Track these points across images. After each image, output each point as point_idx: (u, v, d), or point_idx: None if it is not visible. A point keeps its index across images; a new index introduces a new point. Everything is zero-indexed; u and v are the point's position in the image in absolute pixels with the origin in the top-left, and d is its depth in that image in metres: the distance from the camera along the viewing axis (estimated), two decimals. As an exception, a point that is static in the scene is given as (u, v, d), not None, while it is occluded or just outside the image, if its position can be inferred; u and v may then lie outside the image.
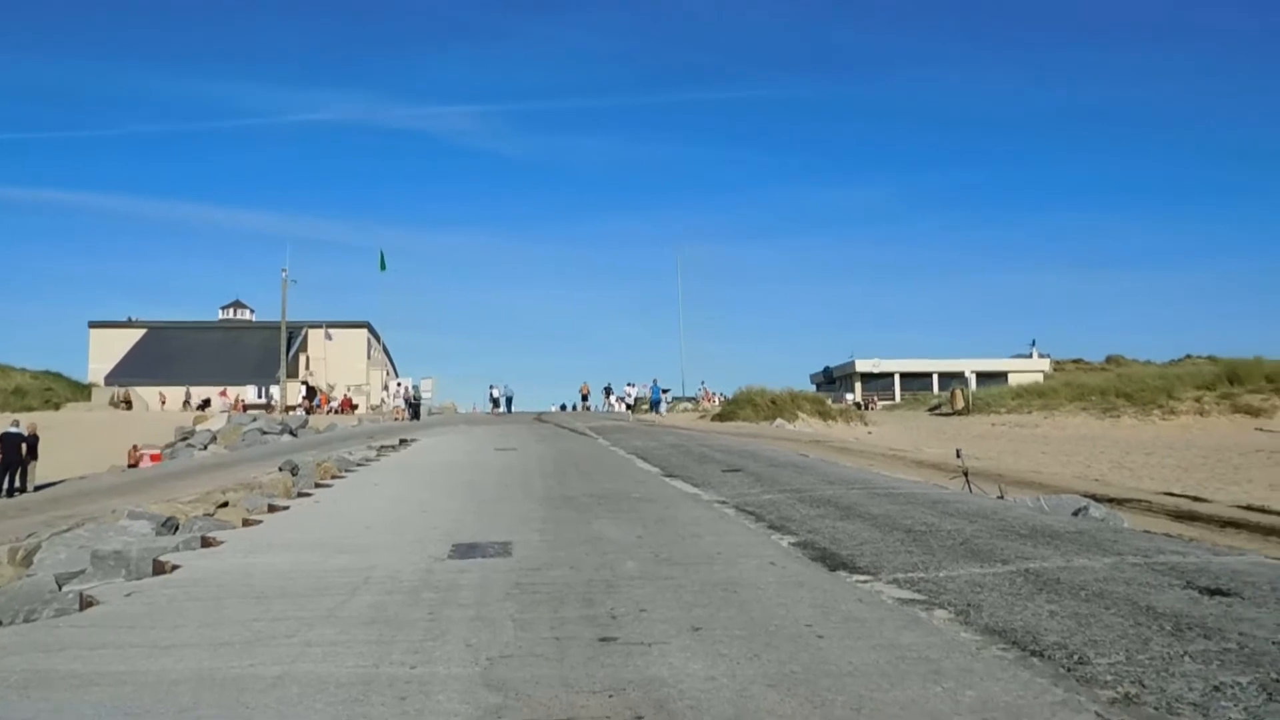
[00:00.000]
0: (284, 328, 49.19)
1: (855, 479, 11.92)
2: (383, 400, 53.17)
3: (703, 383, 58.67)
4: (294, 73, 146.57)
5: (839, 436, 31.18)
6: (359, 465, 14.74)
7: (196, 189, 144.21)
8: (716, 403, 48.09)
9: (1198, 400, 39.04)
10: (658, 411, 46.18)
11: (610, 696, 3.39)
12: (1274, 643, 3.78)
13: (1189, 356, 61.30)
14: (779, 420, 35.25)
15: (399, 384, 51.99)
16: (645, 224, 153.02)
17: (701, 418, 40.29)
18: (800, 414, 37.59)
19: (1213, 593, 4.82)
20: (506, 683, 3.59)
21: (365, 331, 60.37)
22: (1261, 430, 34.32)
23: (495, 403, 50.54)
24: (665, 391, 60.97)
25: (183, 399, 49.47)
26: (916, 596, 4.90)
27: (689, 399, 55.54)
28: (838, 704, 3.22)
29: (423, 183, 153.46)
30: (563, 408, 58.52)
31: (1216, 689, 3.20)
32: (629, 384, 48.83)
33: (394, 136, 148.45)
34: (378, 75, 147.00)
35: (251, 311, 65.65)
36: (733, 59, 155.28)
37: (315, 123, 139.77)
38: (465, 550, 6.77)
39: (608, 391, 50.19)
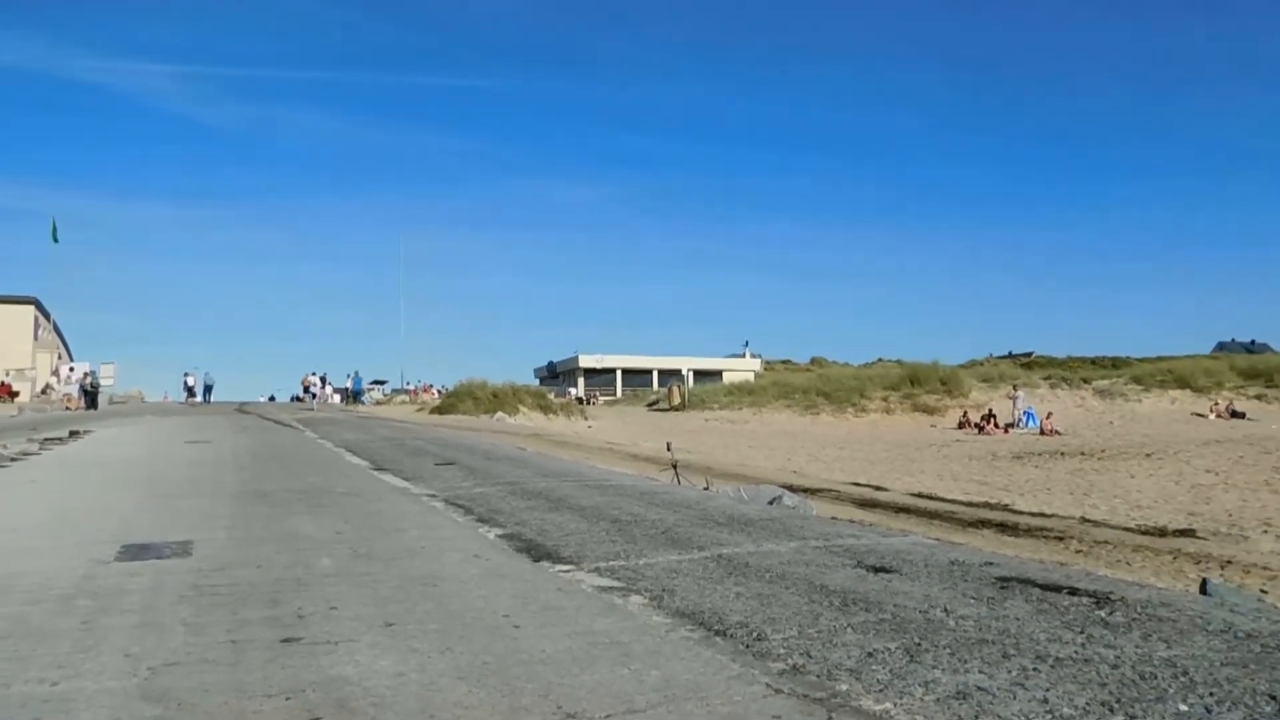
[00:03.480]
0: (-79, 301, 42.30)
1: (570, 472, 12.10)
2: (49, 386, 47.16)
3: (419, 379, 57.49)
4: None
5: (559, 431, 31.65)
6: (14, 460, 12.93)
7: None
8: (436, 395, 47.21)
9: (885, 400, 43.53)
10: (360, 403, 44.61)
11: (287, 699, 3.15)
12: (920, 612, 4.22)
13: (880, 360, 67.64)
14: (500, 414, 35.21)
15: (73, 369, 46.29)
16: (366, 207, 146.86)
17: (420, 410, 39.36)
18: (522, 408, 37.76)
19: (878, 570, 5.32)
20: (169, 693, 3.24)
21: (32, 309, 53.04)
22: (934, 427, 38.93)
23: (191, 392, 46.38)
24: (382, 383, 59.06)
25: None
26: (615, 584, 5.01)
27: (407, 391, 54.19)
28: (527, 691, 3.20)
29: (109, 145, 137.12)
30: (272, 399, 55.00)
31: (870, 655, 3.52)
32: (311, 373, 46.00)
33: (75, 90, 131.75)
34: (58, 17, 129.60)
35: (-126, 281, 55.84)
36: (462, 45, 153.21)
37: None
38: (136, 551, 6.10)
39: (323, 382, 47.71)
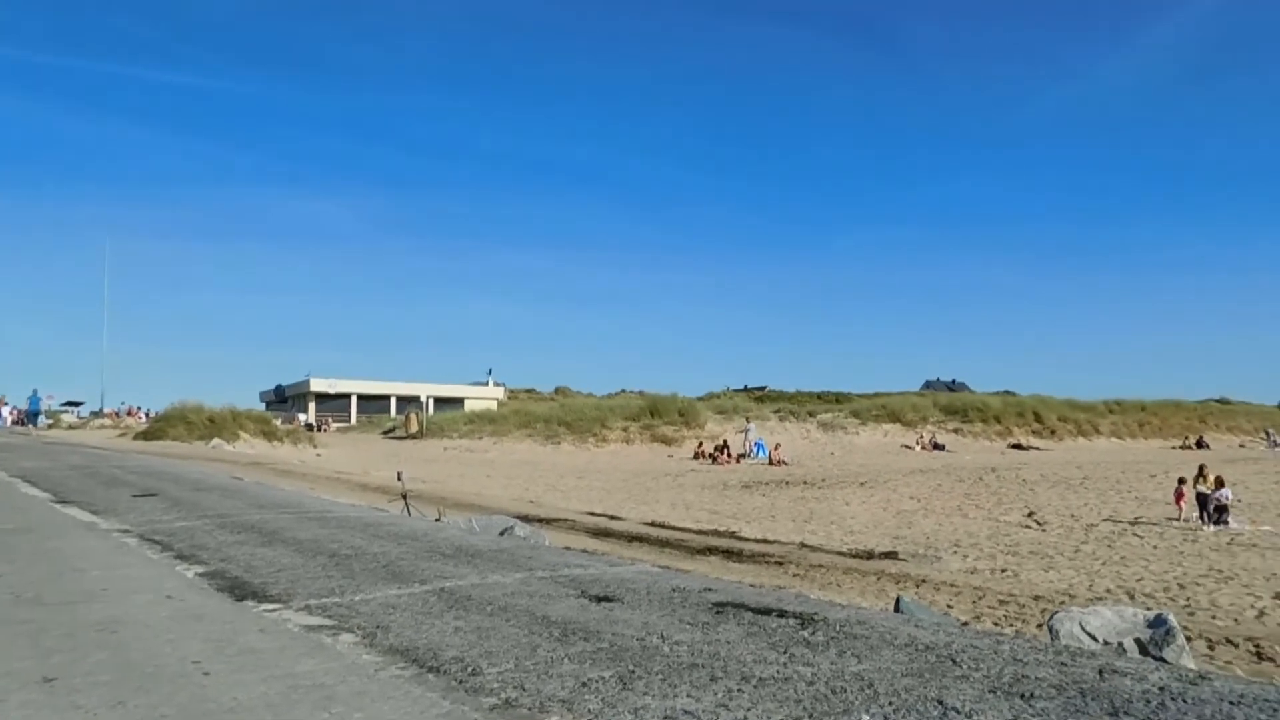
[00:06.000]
0: None
1: (289, 503, 11.34)
2: None
3: (122, 401, 52.27)
4: None
5: (284, 459, 29.79)
6: None
7: None
8: (144, 419, 43.00)
9: (625, 430, 44.67)
10: (35, 424, 39.95)
11: (-103, 779, 2.64)
12: (638, 639, 4.26)
13: (623, 391, 69.44)
14: (217, 440, 32.60)
15: None
16: (64, 207, 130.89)
17: (122, 436, 35.65)
18: (243, 434, 35.22)
19: (601, 600, 5.33)
20: None
21: None
22: (671, 457, 40.38)
23: None
24: (77, 405, 53.06)
25: None
26: (326, 622, 4.69)
27: (108, 414, 48.97)
28: (207, 748, 2.88)
29: None
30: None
31: (584, 685, 3.49)
32: None
33: None
34: None
35: None
36: (186, 40, 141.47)
37: None
38: None
39: None
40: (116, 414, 48.86)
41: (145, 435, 34.34)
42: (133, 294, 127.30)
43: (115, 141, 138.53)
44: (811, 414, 50.71)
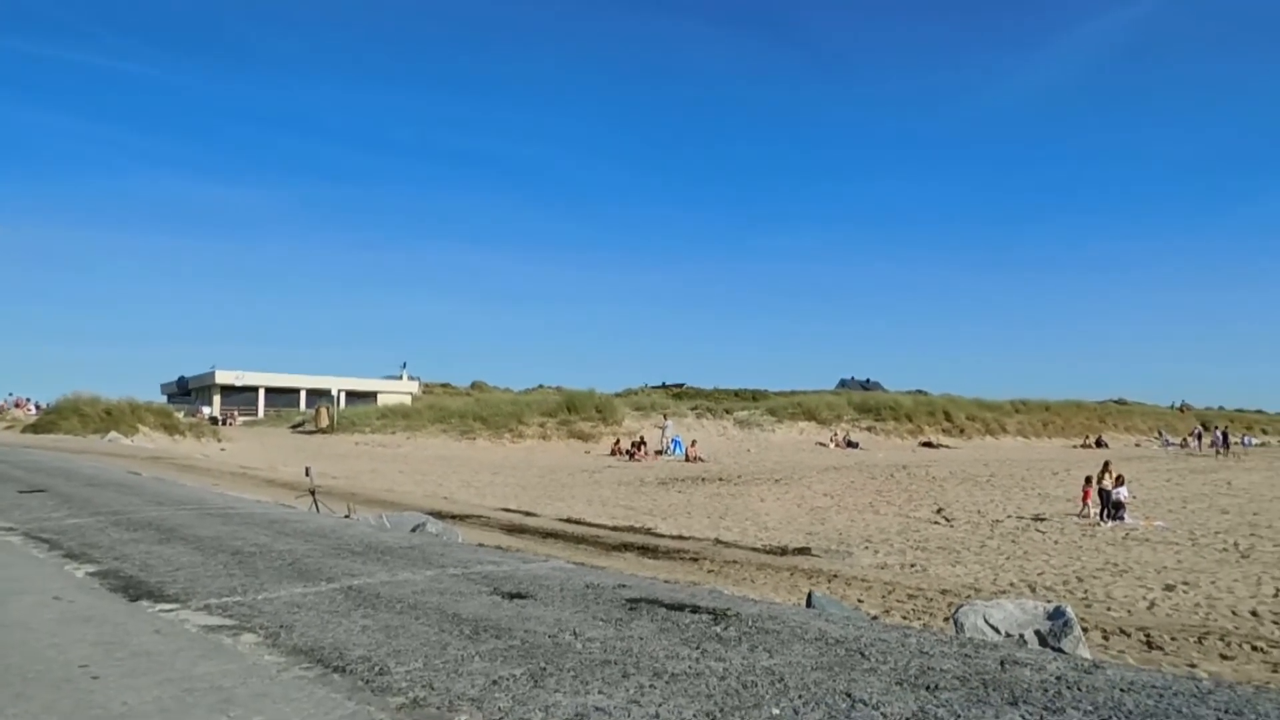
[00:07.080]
0: None
1: (190, 499, 10.94)
2: None
3: (10, 392, 49.84)
4: None
5: (186, 453, 28.77)
6: None
7: None
8: (34, 412, 41.04)
9: (542, 426, 44.38)
10: None
11: None
12: (550, 636, 4.21)
13: (541, 386, 68.96)
14: (114, 434, 31.29)
15: None
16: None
17: (9, 428, 33.98)
18: (142, 427, 33.88)
19: (513, 596, 5.26)
20: None
21: None
22: (588, 453, 40.29)
23: None
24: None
25: None
26: (226, 622, 4.52)
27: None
28: (92, 757, 2.73)
29: None
30: None
31: (495, 682, 3.43)
32: None
33: None
34: None
35: None
36: (89, 18, 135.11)
37: None
38: None
39: None
40: (3, 406, 46.54)
41: (35, 428, 32.76)
42: (24, 279, 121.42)
43: (10, 120, 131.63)
44: (728, 411, 51.22)
